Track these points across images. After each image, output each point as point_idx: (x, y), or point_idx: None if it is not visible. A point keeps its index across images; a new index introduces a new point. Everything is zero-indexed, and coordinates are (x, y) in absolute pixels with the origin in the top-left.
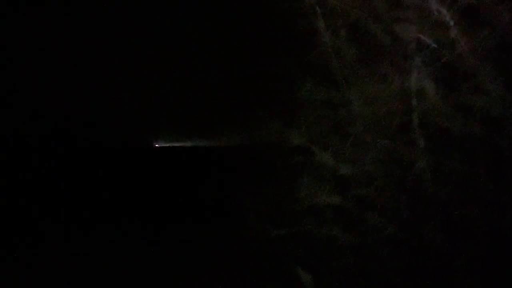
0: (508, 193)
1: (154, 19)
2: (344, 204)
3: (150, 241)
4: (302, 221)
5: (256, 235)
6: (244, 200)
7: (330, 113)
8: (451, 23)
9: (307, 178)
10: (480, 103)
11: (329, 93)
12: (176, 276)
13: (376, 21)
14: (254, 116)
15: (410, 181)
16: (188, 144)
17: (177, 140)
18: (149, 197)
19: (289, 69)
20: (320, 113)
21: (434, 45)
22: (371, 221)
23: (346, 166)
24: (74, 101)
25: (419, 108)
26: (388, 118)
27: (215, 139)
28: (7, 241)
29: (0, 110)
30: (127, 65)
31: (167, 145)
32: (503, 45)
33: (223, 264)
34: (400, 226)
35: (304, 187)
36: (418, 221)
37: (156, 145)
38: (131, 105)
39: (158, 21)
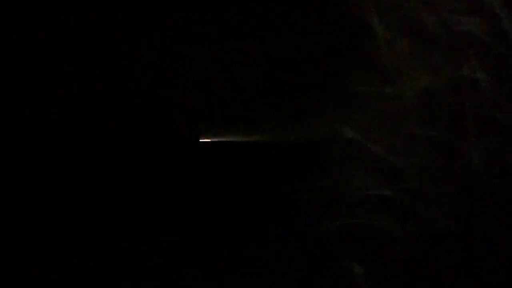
0: None
1: (204, 15)
2: (396, 197)
3: (198, 236)
4: (354, 214)
5: (309, 228)
6: (296, 193)
7: (383, 106)
8: (503, 14)
9: (359, 171)
10: None
11: (381, 86)
12: (229, 267)
13: (429, 13)
14: (306, 110)
15: (461, 173)
16: (236, 138)
17: (224, 135)
18: (196, 192)
19: (342, 63)
20: (372, 106)
21: (487, 37)
22: (423, 214)
23: (398, 158)
24: (121, 96)
25: (471, 100)
26: (440, 110)
27: (265, 134)
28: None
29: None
30: (172, 59)
31: (214, 139)
32: None
33: (276, 256)
34: (451, 219)
35: (356, 180)
36: (469, 214)
37: (202, 140)
38: (176, 99)
39: (206, 17)
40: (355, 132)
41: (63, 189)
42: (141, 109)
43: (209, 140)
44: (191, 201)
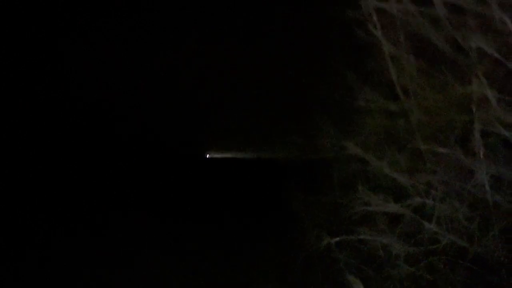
0: None
1: (215, 34)
2: (400, 213)
3: (199, 249)
4: (357, 229)
5: (311, 242)
6: (300, 208)
7: (388, 123)
8: None
9: (363, 187)
10: None
11: (387, 103)
12: (230, 278)
13: (437, 30)
14: (310, 126)
15: (469, 190)
16: (241, 155)
17: (230, 151)
18: (202, 206)
19: (348, 79)
20: (377, 122)
21: (497, 54)
22: (428, 231)
23: (403, 175)
24: (132, 112)
25: (480, 117)
26: (448, 128)
27: (271, 150)
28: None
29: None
30: (184, 77)
31: (220, 156)
32: None
33: (279, 270)
34: (459, 236)
35: (359, 196)
36: (477, 231)
37: (208, 156)
38: (185, 116)
39: (220, 38)
40: (359, 149)
41: (66, 204)
42: (151, 123)
43: (216, 155)
44: (197, 212)
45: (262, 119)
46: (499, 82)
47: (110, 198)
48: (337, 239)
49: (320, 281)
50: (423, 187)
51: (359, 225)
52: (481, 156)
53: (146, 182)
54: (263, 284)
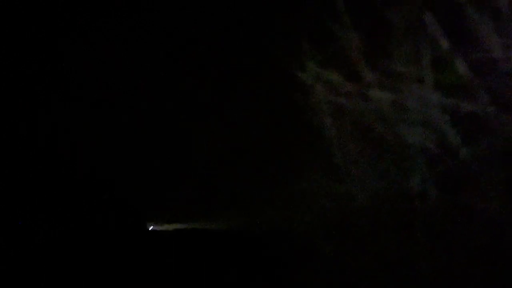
0: None
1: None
2: None
3: None
4: None
5: None
6: (241, 282)
7: (333, 205)
8: (454, 130)
9: (308, 269)
10: (480, 207)
11: (332, 185)
12: None
13: (380, 120)
14: (253, 203)
15: (411, 277)
16: (182, 226)
17: (170, 222)
18: (142, 280)
19: (293, 159)
20: (321, 203)
21: (437, 150)
22: None
23: (347, 259)
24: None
25: (422, 209)
26: (391, 215)
27: (211, 222)
28: None
29: None
30: (122, 145)
31: (161, 228)
32: (506, 152)
33: None
34: None
35: (301, 279)
36: None
37: (151, 228)
38: (125, 187)
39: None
40: (304, 228)
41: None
42: (90, 196)
43: (158, 227)
44: (138, 285)
45: (206, 192)
46: (439, 177)
47: (48, 271)
48: None
49: None
50: (367, 275)
51: None
52: (424, 246)
53: (87, 256)
54: None
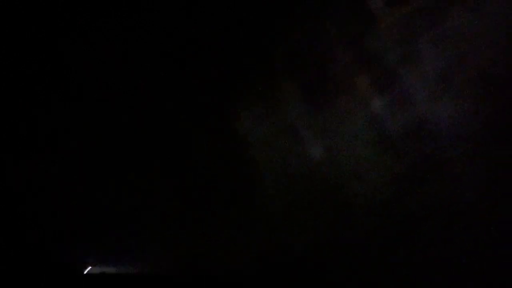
0: None
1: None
2: None
3: None
4: None
5: None
6: None
7: (269, 255)
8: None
9: None
10: None
11: (268, 236)
12: None
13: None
14: (186, 248)
15: None
16: (120, 270)
17: (108, 265)
18: None
19: (227, 211)
20: (254, 253)
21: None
22: None
23: None
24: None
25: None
26: (326, 265)
27: (150, 266)
28: None
29: None
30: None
31: (98, 271)
32: None
33: None
34: None
35: None
36: None
37: (86, 272)
38: (61, 230)
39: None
40: (234, 278)
41: None
42: (27, 238)
43: (94, 271)
44: None
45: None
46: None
47: None
48: None
49: None
50: None
51: None
52: None
53: None
54: None
